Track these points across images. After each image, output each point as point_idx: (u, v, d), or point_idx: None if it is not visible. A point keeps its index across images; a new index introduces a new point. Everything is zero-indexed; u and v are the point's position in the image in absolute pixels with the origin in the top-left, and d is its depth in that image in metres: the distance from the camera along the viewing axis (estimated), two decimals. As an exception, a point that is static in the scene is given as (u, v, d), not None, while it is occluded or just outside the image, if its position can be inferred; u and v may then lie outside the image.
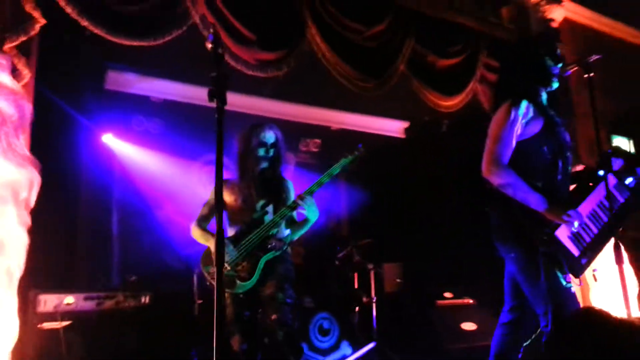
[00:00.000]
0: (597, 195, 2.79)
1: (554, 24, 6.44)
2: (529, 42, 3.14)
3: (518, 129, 2.71)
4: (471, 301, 5.61)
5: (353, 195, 7.21)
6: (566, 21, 6.67)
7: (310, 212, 3.27)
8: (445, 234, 6.56)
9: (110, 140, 6.02)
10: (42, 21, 3.31)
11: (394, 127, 7.01)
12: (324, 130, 6.97)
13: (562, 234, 2.66)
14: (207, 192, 3.57)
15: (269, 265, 3.07)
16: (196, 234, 3.24)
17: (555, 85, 2.86)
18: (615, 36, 7.12)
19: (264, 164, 3.37)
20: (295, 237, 3.33)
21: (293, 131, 6.78)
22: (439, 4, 5.45)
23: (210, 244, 3.12)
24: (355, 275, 5.28)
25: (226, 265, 2.97)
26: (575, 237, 2.69)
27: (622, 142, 6.00)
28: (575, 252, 2.67)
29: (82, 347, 3.27)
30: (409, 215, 6.95)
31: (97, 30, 3.52)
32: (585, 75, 2.69)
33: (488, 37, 5.69)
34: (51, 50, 3.77)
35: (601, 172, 2.78)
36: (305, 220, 3.37)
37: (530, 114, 2.73)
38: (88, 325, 3.43)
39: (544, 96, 2.90)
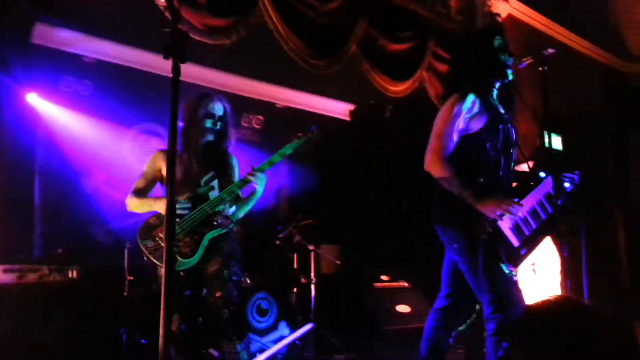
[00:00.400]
0: (537, 195, 2.86)
1: (499, 19, 6.62)
2: (481, 34, 3.12)
3: (460, 123, 2.72)
4: (406, 284, 5.72)
5: (294, 175, 7.10)
6: (510, 18, 6.87)
7: (261, 188, 3.17)
8: (385, 218, 6.65)
9: (34, 100, 5.52)
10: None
11: (339, 109, 6.97)
12: (268, 107, 6.79)
13: (504, 224, 2.72)
14: (140, 164, 3.35)
15: (213, 242, 2.92)
16: (133, 203, 3.02)
17: (510, 76, 2.88)
18: (553, 37, 7.42)
19: (210, 137, 3.20)
20: (241, 214, 3.21)
21: (236, 105, 6.49)
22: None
23: (156, 207, 2.91)
24: (295, 256, 5.21)
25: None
26: (516, 229, 2.76)
27: (555, 140, 6.29)
28: (515, 242, 2.74)
29: (1, 323, 2.97)
30: (348, 197, 6.97)
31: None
32: (540, 69, 2.72)
33: (437, 26, 5.76)
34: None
35: (542, 174, 2.87)
36: (251, 195, 3.24)
37: (476, 109, 2.74)
38: (8, 300, 3.12)
39: (495, 91, 2.92)
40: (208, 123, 3.16)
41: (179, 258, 2.76)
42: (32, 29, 4.80)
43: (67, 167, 5.59)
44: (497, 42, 2.88)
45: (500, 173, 2.81)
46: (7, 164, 5.32)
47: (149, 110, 5.99)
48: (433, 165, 2.69)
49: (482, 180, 2.72)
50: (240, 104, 6.56)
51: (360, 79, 6.13)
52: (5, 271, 3.23)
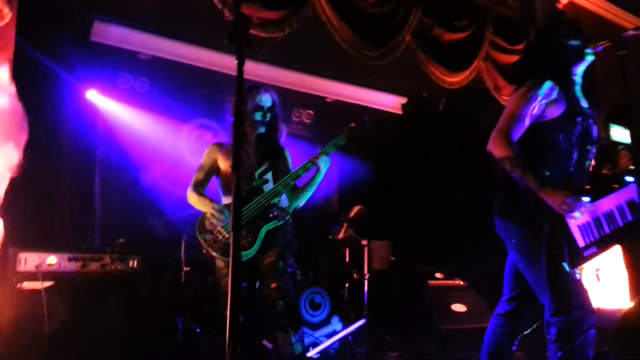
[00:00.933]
0: (618, 198, 2.64)
1: (560, 6, 6.29)
2: (553, 20, 2.94)
3: (535, 107, 2.55)
4: (462, 283, 5.55)
5: (345, 170, 7.05)
6: (571, 4, 6.51)
7: (324, 170, 3.14)
8: (438, 214, 6.48)
9: (94, 96, 5.71)
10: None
11: (391, 103, 6.83)
12: (318, 102, 6.75)
13: (572, 220, 2.55)
14: (196, 158, 3.39)
15: (270, 235, 2.91)
16: (193, 199, 3.06)
17: (590, 57, 2.67)
18: (618, 24, 6.99)
19: (261, 129, 3.20)
20: (301, 203, 3.19)
21: (286, 100, 6.51)
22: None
23: (208, 209, 2.94)
24: (347, 251, 5.15)
25: (224, 232, 2.83)
26: (585, 229, 2.56)
27: (621, 132, 5.93)
28: (580, 242, 2.55)
29: (65, 310, 3.07)
30: (402, 193, 6.84)
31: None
32: (619, 52, 2.52)
33: (494, 14, 5.53)
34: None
35: (630, 179, 2.66)
36: (311, 181, 3.18)
37: (554, 95, 2.56)
38: (71, 288, 3.23)
39: (578, 80, 2.71)
40: (258, 115, 3.17)
41: None
42: (91, 27, 4.96)
43: (126, 161, 5.76)
44: (570, 28, 2.71)
45: (571, 169, 2.59)
46: (69, 158, 5.55)
47: (204, 105, 6.10)
48: (497, 144, 2.51)
49: (547, 173, 2.53)
50: (291, 98, 6.56)
51: (413, 71, 5.94)
52: (69, 259, 3.34)
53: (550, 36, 2.72)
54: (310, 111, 7.10)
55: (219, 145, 3.28)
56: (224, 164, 3.16)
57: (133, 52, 5.44)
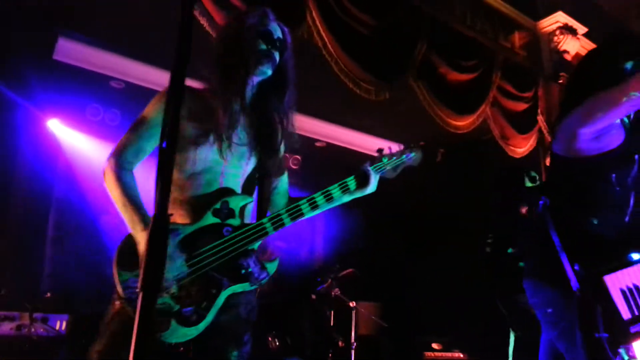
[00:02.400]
0: None
1: (567, 56, 5.96)
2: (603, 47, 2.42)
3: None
4: (462, 356, 4.83)
5: (331, 222, 6.41)
6: (578, 56, 6.20)
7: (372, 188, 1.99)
8: (435, 274, 5.83)
9: (56, 127, 5.07)
10: None
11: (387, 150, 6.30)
12: (306, 145, 6.17)
13: (613, 282, 1.96)
14: None
15: (229, 299, 1.74)
16: (113, 187, 1.69)
17: None
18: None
19: (266, 69, 1.83)
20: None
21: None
22: (453, 15, 4.88)
23: (138, 236, 1.61)
24: (332, 313, 4.43)
25: (168, 280, 1.61)
26: (631, 294, 1.96)
27: None
28: (625, 312, 1.95)
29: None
30: (394, 249, 6.20)
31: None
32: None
33: (502, 57, 5.14)
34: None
35: None
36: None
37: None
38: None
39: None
40: (262, 45, 1.82)
41: (176, 323, 1.60)
42: (55, 44, 4.37)
43: (86, 201, 5.05)
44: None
45: (626, 219, 2.08)
46: (20, 196, 4.84)
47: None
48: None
49: (596, 222, 2.05)
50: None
51: (410, 116, 5.54)
52: None
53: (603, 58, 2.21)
54: (297, 156, 6.52)
55: (186, 89, 1.72)
56: (191, 124, 1.75)
57: (104, 77, 4.85)
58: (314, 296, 4.37)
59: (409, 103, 5.04)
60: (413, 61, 4.20)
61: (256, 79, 1.84)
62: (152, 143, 1.75)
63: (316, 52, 3.92)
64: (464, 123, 4.57)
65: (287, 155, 6.58)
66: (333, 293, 4.44)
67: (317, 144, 6.18)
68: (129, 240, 1.61)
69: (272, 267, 1.79)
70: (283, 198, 2.00)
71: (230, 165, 1.80)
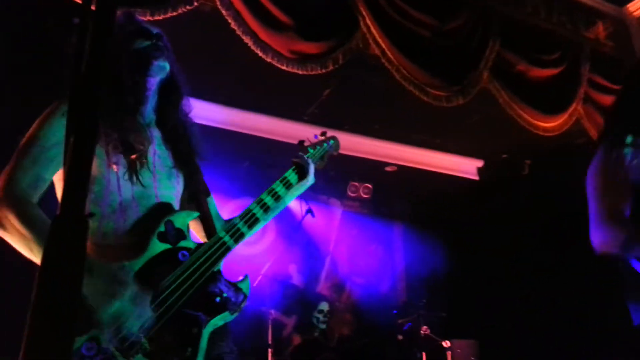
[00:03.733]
0: None
1: (666, 41, 5.18)
2: None
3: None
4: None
5: (413, 249, 5.85)
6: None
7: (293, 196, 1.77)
8: (533, 305, 5.09)
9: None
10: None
11: (464, 167, 5.73)
12: (376, 171, 5.77)
13: None
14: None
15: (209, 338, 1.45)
16: (15, 226, 1.30)
17: None
18: None
19: (162, 61, 1.59)
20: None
21: (339, 171, 5.63)
22: (525, 9, 4.36)
23: (90, 273, 1.29)
24: (424, 356, 3.87)
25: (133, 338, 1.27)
26: None
27: None
28: None
29: None
30: (485, 277, 5.54)
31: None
32: None
33: (588, 48, 4.51)
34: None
35: None
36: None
37: None
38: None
39: None
40: (144, 43, 1.57)
41: None
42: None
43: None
44: None
45: None
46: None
47: (245, 181, 5.21)
48: (594, 234, 1.92)
49: None
50: (344, 168, 5.63)
51: (488, 126, 5.00)
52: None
53: None
54: (368, 184, 6.12)
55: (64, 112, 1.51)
56: (97, 162, 1.43)
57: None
58: (400, 336, 3.84)
59: (485, 112, 4.54)
60: (485, 61, 3.72)
61: (154, 80, 1.59)
62: (51, 169, 1.40)
63: (375, 62, 3.57)
64: (554, 124, 3.97)
65: (357, 184, 6.03)
66: (422, 332, 3.90)
67: (387, 168, 5.73)
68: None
69: (245, 287, 1.52)
70: (218, 221, 1.71)
71: (161, 186, 1.53)
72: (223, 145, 4.84)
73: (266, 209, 1.62)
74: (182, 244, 1.43)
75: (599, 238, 1.97)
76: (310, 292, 4.99)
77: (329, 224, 5.90)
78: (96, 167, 1.41)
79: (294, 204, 4.87)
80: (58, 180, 1.45)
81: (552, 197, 5.46)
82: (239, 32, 2.97)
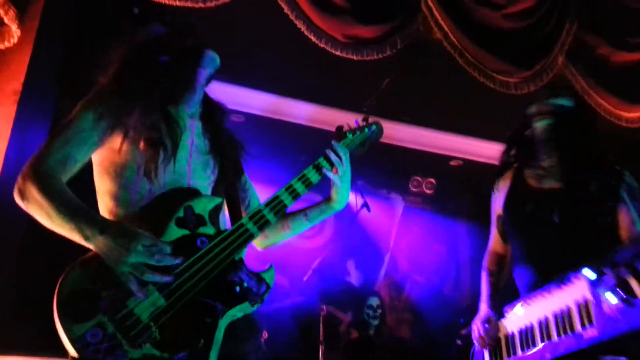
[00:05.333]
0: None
1: None
2: None
3: None
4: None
5: (479, 249, 5.54)
6: None
7: (342, 190, 1.63)
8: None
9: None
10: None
11: (536, 161, 5.34)
12: (440, 165, 5.51)
13: None
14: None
15: (227, 335, 1.34)
16: (36, 198, 1.28)
17: None
18: None
19: (211, 63, 1.58)
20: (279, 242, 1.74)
21: (401, 165, 5.43)
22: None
23: (90, 232, 1.22)
24: (485, 361, 3.61)
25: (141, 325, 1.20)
26: None
27: None
28: None
29: None
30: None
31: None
32: None
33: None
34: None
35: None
36: (318, 209, 1.68)
37: None
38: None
39: None
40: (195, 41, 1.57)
41: None
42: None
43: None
44: None
45: None
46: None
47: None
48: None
49: None
50: (406, 162, 5.41)
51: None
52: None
53: None
54: (431, 179, 5.86)
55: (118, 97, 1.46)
56: (130, 142, 1.41)
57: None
58: (459, 341, 3.62)
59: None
60: (561, 45, 3.40)
61: (204, 73, 1.55)
62: (83, 151, 1.38)
63: (437, 47, 3.36)
64: (638, 114, 3.57)
65: (419, 179, 5.77)
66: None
67: (452, 162, 5.45)
68: (73, 277, 1.19)
69: (269, 277, 1.43)
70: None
71: (195, 176, 1.49)
72: (280, 137, 4.79)
73: (295, 195, 1.52)
74: (202, 230, 1.37)
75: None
76: (364, 289, 4.85)
77: (390, 219, 5.71)
78: (128, 152, 1.40)
79: (350, 198, 4.75)
80: (97, 164, 1.45)
81: None
82: (292, 17, 2.87)
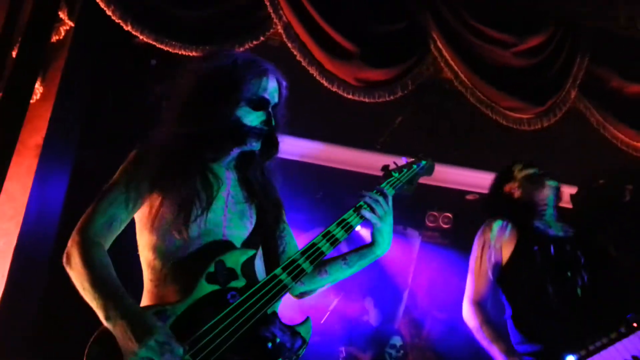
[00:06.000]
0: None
1: None
2: None
3: None
4: None
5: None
6: None
7: (384, 233, 1.56)
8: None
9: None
10: (70, 23, 2.51)
11: (554, 194, 5.28)
12: (456, 200, 5.48)
13: None
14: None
15: None
16: (78, 265, 1.30)
17: None
18: None
19: (256, 143, 1.54)
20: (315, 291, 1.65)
21: (416, 200, 5.40)
22: (619, 19, 3.98)
23: (113, 314, 1.21)
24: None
25: None
26: None
27: None
28: None
29: None
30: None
31: (144, 36, 2.63)
32: None
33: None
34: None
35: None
36: (360, 250, 1.60)
37: None
38: None
39: None
40: (255, 118, 1.53)
41: None
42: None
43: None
44: None
45: None
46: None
47: (319, 211, 5.14)
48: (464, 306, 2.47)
49: None
50: (421, 197, 5.39)
51: (581, 150, 4.57)
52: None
53: None
54: (448, 214, 5.82)
55: (158, 151, 1.50)
56: (170, 199, 1.43)
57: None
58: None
59: (578, 135, 4.17)
60: (573, 79, 3.40)
61: (239, 150, 1.55)
62: (128, 210, 1.41)
63: (449, 86, 3.39)
64: (656, 145, 3.54)
65: (436, 213, 5.77)
66: None
67: (468, 196, 5.41)
68: (102, 338, 1.20)
69: (305, 331, 1.38)
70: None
71: (231, 226, 1.46)
72: (294, 177, 4.80)
73: (334, 241, 1.45)
74: (233, 284, 1.33)
75: (464, 312, 2.31)
76: (384, 328, 4.76)
77: (407, 255, 5.65)
78: (165, 207, 1.42)
79: (364, 232, 4.73)
80: (137, 220, 1.48)
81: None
82: (304, 64, 2.93)
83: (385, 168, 1.69)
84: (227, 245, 1.42)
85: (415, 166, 1.72)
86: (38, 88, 2.40)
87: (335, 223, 1.47)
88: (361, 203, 1.52)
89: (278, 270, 1.36)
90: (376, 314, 5.19)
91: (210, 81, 1.50)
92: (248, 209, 1.51)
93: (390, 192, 1.59)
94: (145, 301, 1.40)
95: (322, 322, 3.40)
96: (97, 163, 2.78)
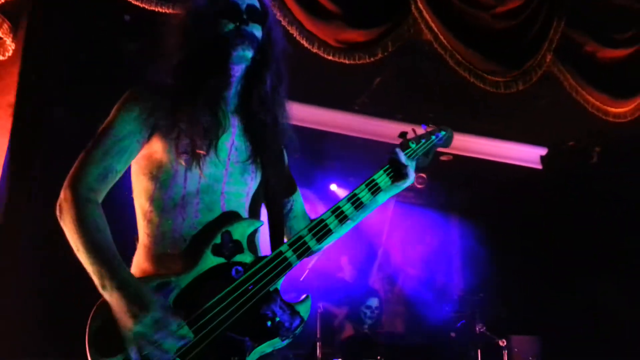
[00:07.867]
0: None
1: None
2: None
3: None
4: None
5: (469, 240, 5.64)
6: None
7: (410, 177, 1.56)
8: (598, 297, 4.81)
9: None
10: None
11: (526, 156, 5.42)
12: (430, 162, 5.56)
13: None
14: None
15: None
16: (71, 225, 1.26)
17: None
18: None
19: (244, 50, 1.41)
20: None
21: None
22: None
23: (109, 284, 1.19)
24: (479, 353, 3.71)
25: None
26: None
27: None
28: None
29: None
30: (546, 271, 5.28)
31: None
32: None
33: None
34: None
35: None
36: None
37: None
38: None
39: None
40: (229, 24, 1.41)
41: None
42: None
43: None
44: None
45: None
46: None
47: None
48: None
49: None
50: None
51: (554, 112, 4.67)
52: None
53: None
54: (422, 174, 5.92)
55: (152, 95, 1.40)
56: (167, 149, 1.37)
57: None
58: (453, 334, 3.70)
59: (551, 97, 4.25)
60: (549, 43, 3.45)
61: (238, 67, 1.42)
62: (124, 160, 1.34)
63: (428, 48, 3.40)
64: (626, 109, 3.68)
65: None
66: (477, 329, 3.74)
67: (442, 157, 5.51)
68: (102, 311, 1.19)
69: (304, 310, 1.36)
70: (303, 221, 1.57)
71: (232, 182, 1.40)
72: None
73: (343, 218, 1.40)
74: (238, 258, 1.31)
75: None
76: (359, 285, 4.92)
77: (382, 215, 5.77)
78: (165, 153, 1.34)
79: (340, 193, 4.81)
80: (134, 162, 1.39)
81: (624, 188, 5.09)
82: (284, 23, 2.88)
83: (403, 136, 1.62)
84: (230, 215, 1.37)
85: (433, 137, 1.65)
86: (10, 45, 2.32)
87: (346, 198, 1.43)
88: (373, 177, 1.48)
89: (284, 247, 1.34)
90: (351, 270, 5.34)
91: (195, 13, 1.44)
92: (251, 164, 1.43)
93: (412, 164, 1.57)
94: (141, 254, 1.37)
95: (301, 279, 3.51)
96: (72, 121, 2.75)
